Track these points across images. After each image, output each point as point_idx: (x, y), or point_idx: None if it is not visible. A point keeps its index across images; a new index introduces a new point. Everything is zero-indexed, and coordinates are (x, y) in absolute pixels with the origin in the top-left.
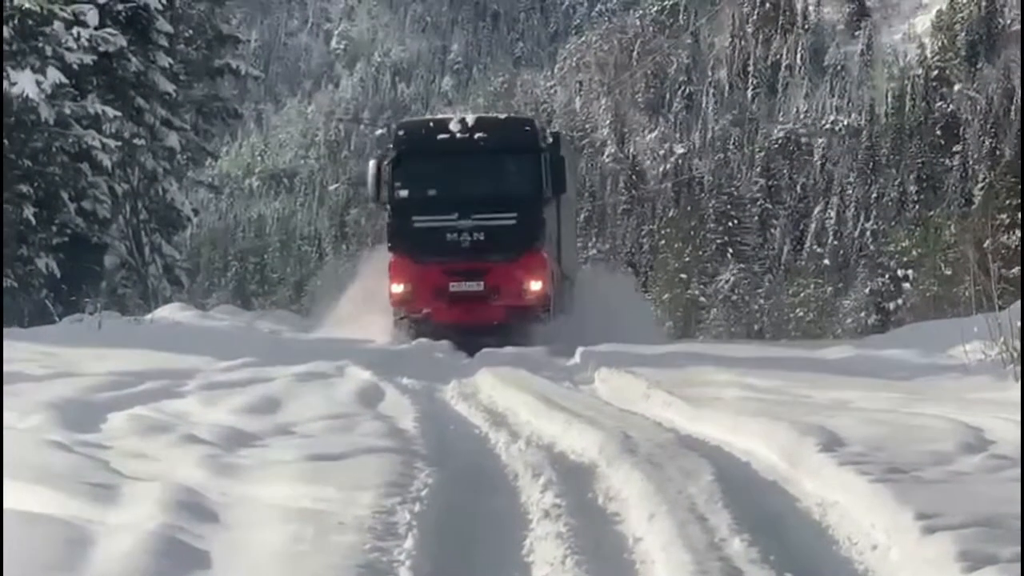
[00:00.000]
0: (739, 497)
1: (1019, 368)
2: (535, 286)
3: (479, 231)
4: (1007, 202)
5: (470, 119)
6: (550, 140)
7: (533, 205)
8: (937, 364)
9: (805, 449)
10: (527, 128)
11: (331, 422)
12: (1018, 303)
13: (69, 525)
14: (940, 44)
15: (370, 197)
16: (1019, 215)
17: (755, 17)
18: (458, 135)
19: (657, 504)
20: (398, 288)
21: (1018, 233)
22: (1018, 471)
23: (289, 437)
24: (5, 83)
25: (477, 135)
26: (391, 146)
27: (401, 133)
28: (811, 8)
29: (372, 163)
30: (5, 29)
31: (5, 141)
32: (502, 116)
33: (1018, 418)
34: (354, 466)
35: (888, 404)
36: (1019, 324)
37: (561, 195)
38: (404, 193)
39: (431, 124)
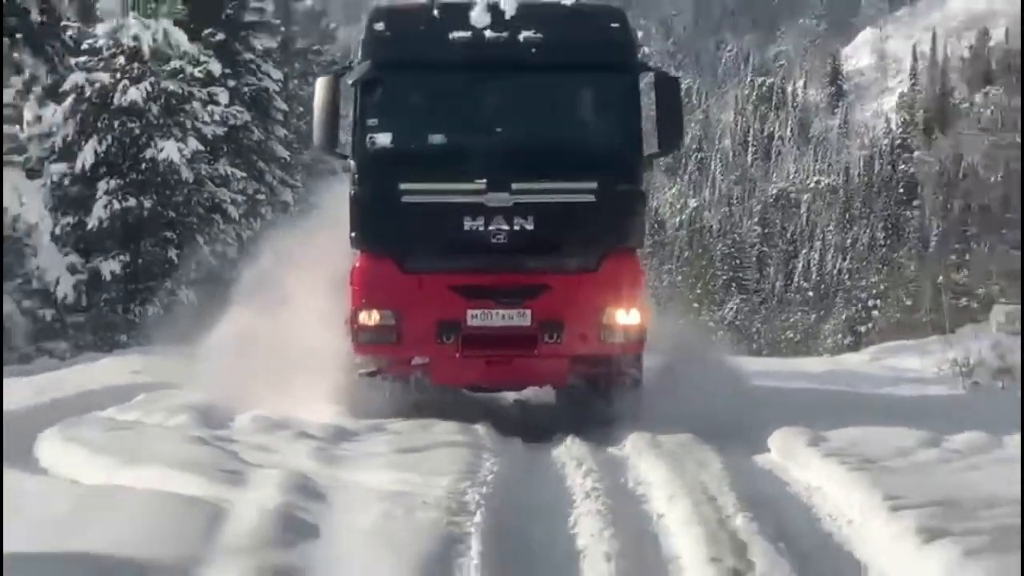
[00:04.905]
0: (740, 480)
1: (967, 380)
2: (628, 319)
3: (525, 214)
4: (956, 245)
5: (509, 4)
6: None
7: (627, 167)
8: (901, 378)
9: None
10: (615, 25)
11: (415, 422)
12: (967, 327)
13: (209, 504)
14: (903, 119)
15: (316, 144)
16: (966, 256)
17: (753, 97)
18: (488, 34)
19: (677, 488)
20: (367, 317)
21: (965, 272)
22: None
23: (381, 434)
24: (153, 150)
25: (523, 35)
26: (361, 51)
27: (380, 27)
28: (799, 90)
29: (322, 81)
30: (155, 107)
31: (154, 195)
32: (568, 1)
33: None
34: (434, 456)
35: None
36: (972, 345)
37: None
38: (383, 140)
39: (435, 13)
